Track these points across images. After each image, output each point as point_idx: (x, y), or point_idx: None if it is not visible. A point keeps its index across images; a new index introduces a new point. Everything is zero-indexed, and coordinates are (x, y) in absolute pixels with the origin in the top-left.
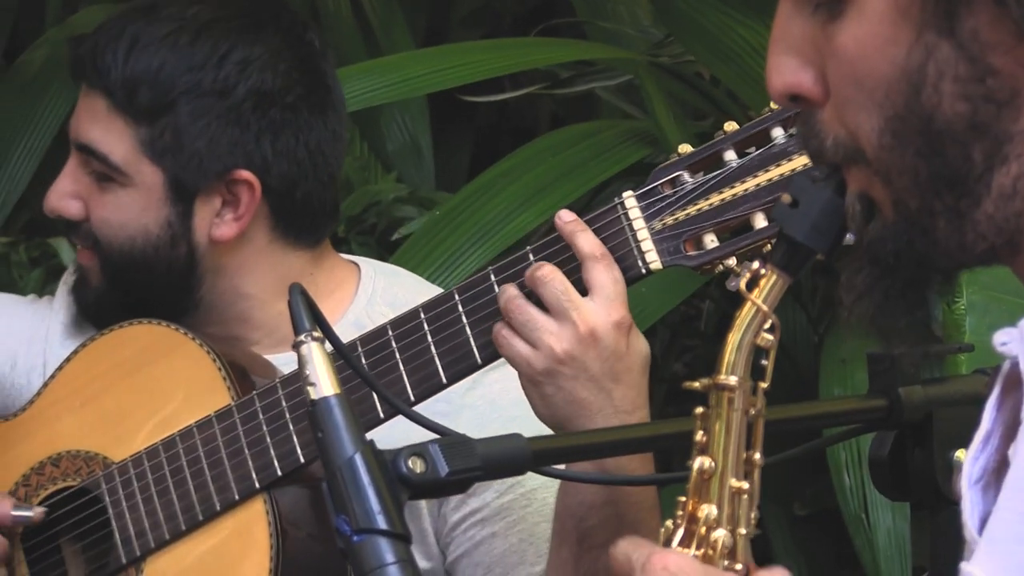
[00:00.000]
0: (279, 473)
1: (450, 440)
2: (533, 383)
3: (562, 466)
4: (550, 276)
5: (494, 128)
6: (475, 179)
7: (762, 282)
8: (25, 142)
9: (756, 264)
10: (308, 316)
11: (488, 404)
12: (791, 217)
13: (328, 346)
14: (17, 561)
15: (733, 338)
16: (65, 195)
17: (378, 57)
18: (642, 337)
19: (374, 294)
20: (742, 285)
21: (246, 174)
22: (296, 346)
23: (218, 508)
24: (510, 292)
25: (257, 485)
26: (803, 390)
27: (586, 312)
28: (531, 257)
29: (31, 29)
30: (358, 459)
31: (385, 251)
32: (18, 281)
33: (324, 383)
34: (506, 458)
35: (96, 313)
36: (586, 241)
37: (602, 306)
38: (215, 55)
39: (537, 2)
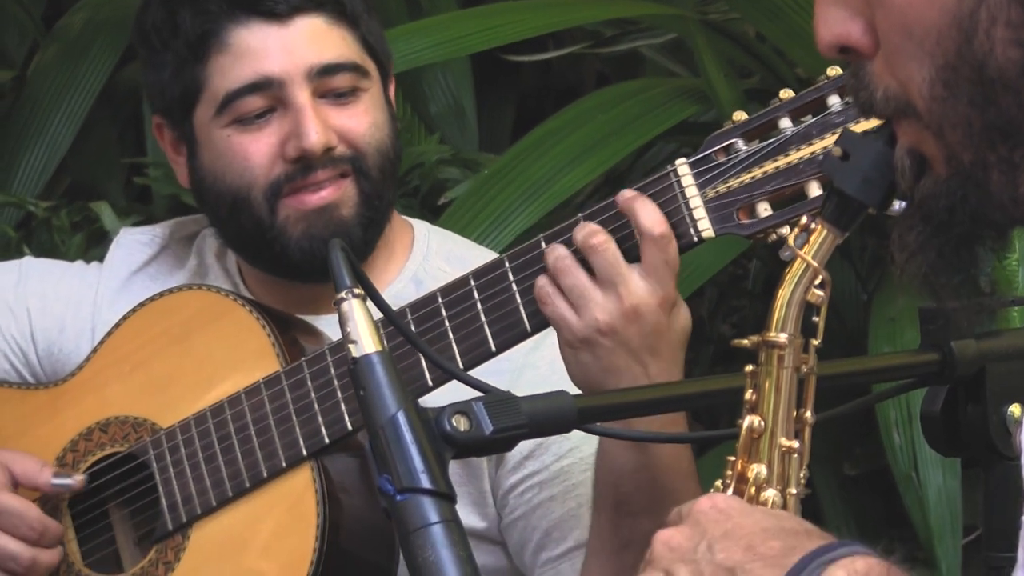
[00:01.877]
0: (326, 441)
1: (495, 397)
2: (571, 347)
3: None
4: (604, 245)
5: (538, 88)
6: (522, 139)
7: (812, 237)
8: (66, 106)
9: (806, 219)
10: (349, 273)
11: (549, 365)
12: (842, 170)
13: (371, 304)
14: (64, 526)
15: (783, 294)
16: (324, 127)
17: (421, 18)
18: (685, 311)
19: (429, 250)
20: (791, 241)
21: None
22: (337, 303)
23: (265, 475)
24: (560, 251)
25: (304, 452)
26: (852, 349)
27: (633, 287)
28: (582, 222)
29: None
30: (401, 417)
31: (429, 213)
32: (59, 246)
33: (366, 340)
34: (551, 416)
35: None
36: (648, 216)
37: (650, 283)
38: None
39: None
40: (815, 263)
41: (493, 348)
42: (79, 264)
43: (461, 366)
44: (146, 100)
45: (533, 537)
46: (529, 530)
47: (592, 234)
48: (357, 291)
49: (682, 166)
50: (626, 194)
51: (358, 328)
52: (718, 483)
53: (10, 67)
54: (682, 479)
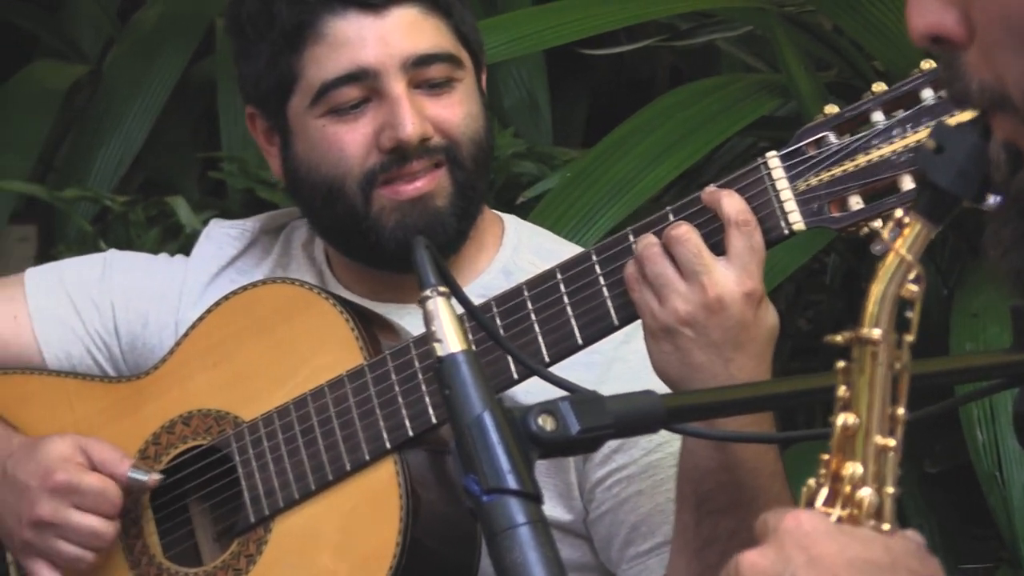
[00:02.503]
0: (410, 434)
1: (581, 397)
2: (653, 336)
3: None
4: (686, 236)
5: (611, 82)
6: (604, 138)
7: (906, 231)
8: (141, 101)
9: (900, 213)
10: (434, 271)
11: (641, 358)
12: (935, 163)
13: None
14: (145, 520)
15: (876, 289)
16: (419, 117)
17: (495, 15)
18: (772, 309)
19: (520, 243)
20: (884, 235)
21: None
22: (422, 301)
23: (348, 468)
24: (649, 239)
25: (388, 445)
26: (932, 345)
27: (717, 277)
28: (671, 217)
29: None
30: (487, 417)
31: (503, 207)
32: (135, 240)
33: (451, 339)
34: (638, 415)
35: (443, 242)
36: (731, 204)
37: (734, 273)
38: None
39: None
40: (909, 257)
41: (580, 341)
42: (163, 257)
43: (547, 360)
44: (239, 91)
45: (620, 532)
46: (616, 524)
47: (675, 226)
48: (442, 289)
49: (773, 159)
50: (710, 189)
51: (443, 327)
52: (811, 481)
53: (85, 62)
54: (766, 478)
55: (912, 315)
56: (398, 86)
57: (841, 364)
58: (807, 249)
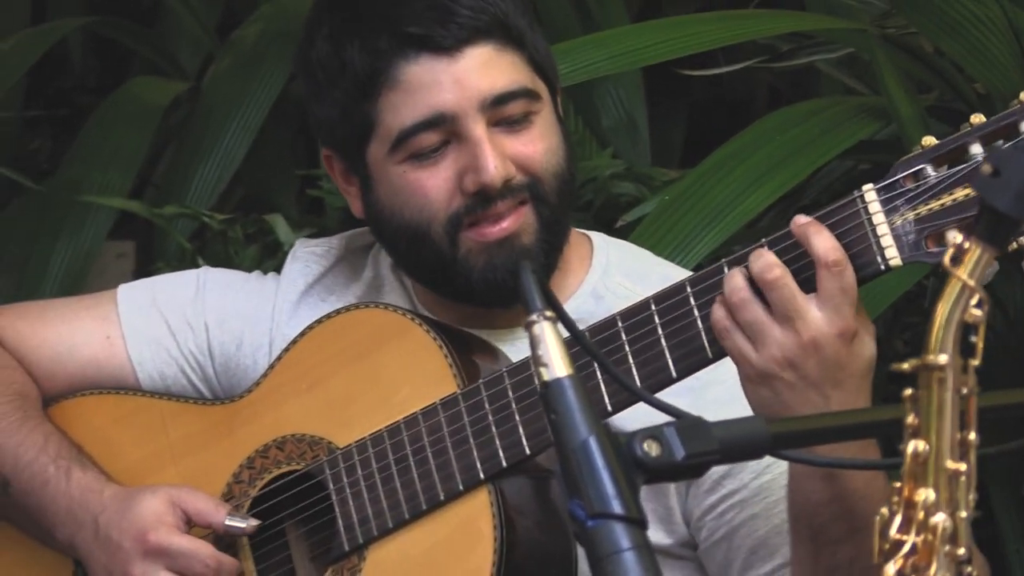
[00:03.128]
0: (504, 464)
1: (686, 423)
2: (750, 381)
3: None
4: (780, 281)
5: (708, 101)
6: (702, 162)
7: (967, 257)
8: (240, 117)
9: (959, 238)
10: (540, 295)
11: (736, 379)
12: (993, 187)
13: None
14: (240, 545)
15: (940, 316)
16: (501, 158)
17: (593, 32)
18: (868, 340)
19: (609, 265)
20: (946, 260)
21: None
22: (528, 326)
23: (442, 497)
24: (735, 283)
25: (482, 476)
26: None
27: (810, 319)
28: (766, 249)
29: (244, 5)
30: (592, 442)
31: (602, 228)
32: (234, 258)
33: (557, 364)
34: (744, 441)
35: (506, 289)
36: (821, 244)
37: (827, 315)
38: None
39: None
40: (971, 283)
41: (674, 374)
42: (256, 276)
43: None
44: (315, 131)
45: (738, 557)
46: (733, 550)
47: (767, 269)
48: (548, 314)
49: (869, 192)
50: (799, 220)
51: (549, 351)
52: (884, 511)
53: (184, 78)
54: (877, 503)
55: (977, 339)
56: (477, 128)
57: (908, 392)
58: (911, 276)
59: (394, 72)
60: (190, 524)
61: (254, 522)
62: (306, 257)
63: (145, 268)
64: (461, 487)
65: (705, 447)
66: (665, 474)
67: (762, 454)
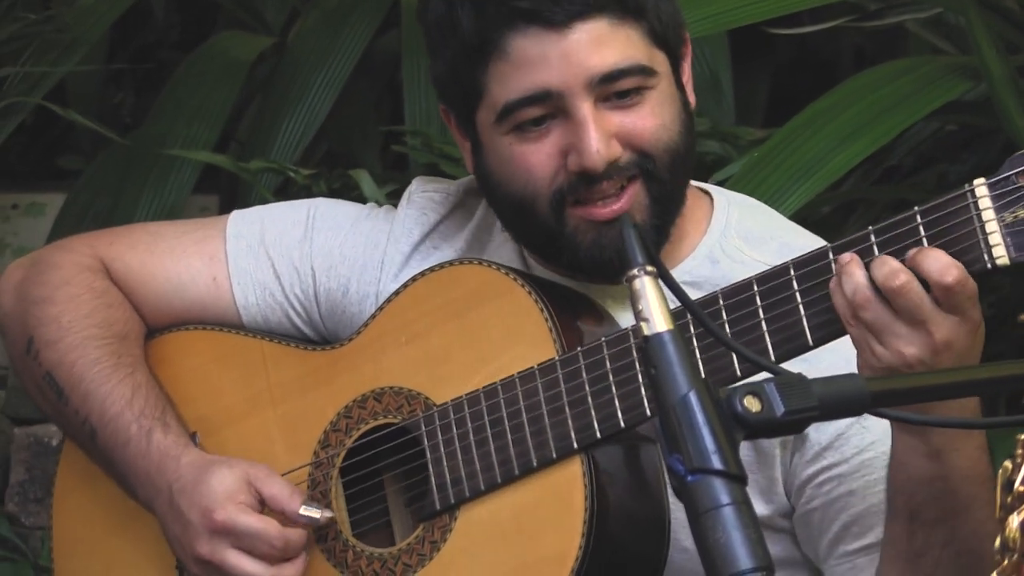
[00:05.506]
0: (598, 436)
1: (786, 379)
2: (872, 370)
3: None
4: (907, 287)
5: (793, 62)
6: (791, 119)
7: None
8: (325, 73)
9: None
10: (642, 250)
11: (849, 346)
12: None
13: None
14: (335, 496)
15: None
16: (607, 139)
17: None
18: (982, 324)
19: (728, 225)
20: None
21: (685, 32)
22: (628, 280)
23: (535, 464)
24: (857, 281)
25: (576, 446)
26: None
27: (941, 323)
28: (872, 239)
29: None
30: (693, 397)
31: None
32: None
33: (657, 318)
34: (843, 398)
35: (612, 268)
36: (934, 264)
37: (957, 318)
38: None
39: None
40: None
41: (773, 358)
42: (369, 214)
43: (739, 374)
44: (432, 83)
45: (831, 529)
46: (827, 522)
47: (893, 276)
48: (649, 269)
49: (980, 187)
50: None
51: (650, 306)
52: (1007, 463)
53: (269, 33)
54: (979, 485)
55: None
56: (584, 107)
57: None
58: None
59: (502, 43)
60: (263, 506)
61: (328, 513)
62: (423, 203)
63: None
64: (554, 455)
65: (805, 404)
66: (764, 430)
67: (862, 411)
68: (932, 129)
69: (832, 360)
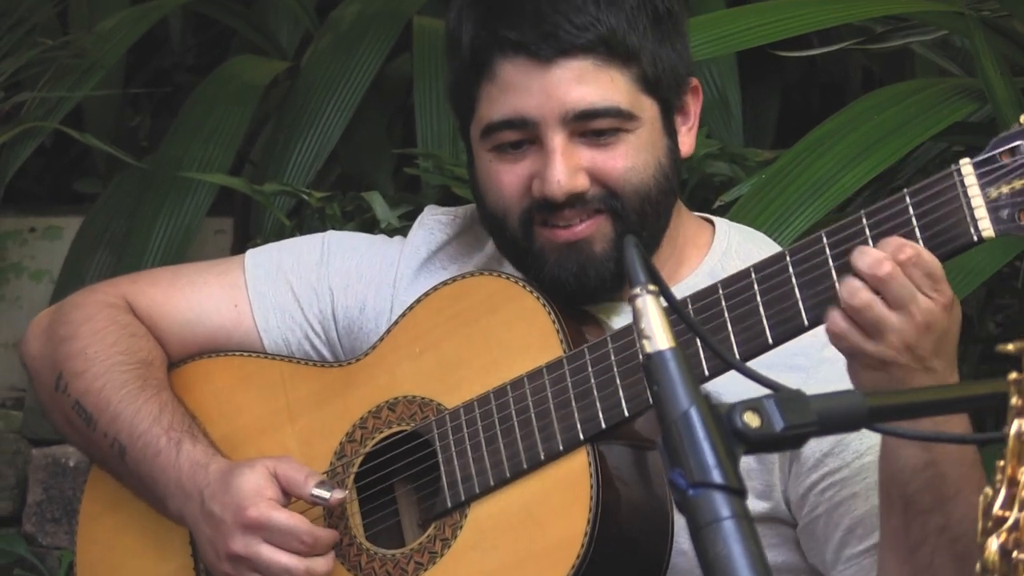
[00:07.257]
0: (603, 425)
1: (785, 395)
2: (865, 368)
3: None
4: (894, 272)
5: (802, 83)
6: (799, 141)
7: None
8: (338, 96)
9: None
10: (644, 269)
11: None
12: None
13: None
14: (350, 499)
15: None
16: (572, 172)
17: (689, 16)
18: (957, 304)
19: (729, 247)
20: None
21: (694, 80)
22: (631, 299)
23: (542, 457)
24: (852, 285)
25: (581, 436)
26: None
27: (921, 302)
28: (864, 221)
29: None
30: (694, 413)
31: (696, 207)
32: None
33: (659, 336)
34: (842, 414)
35: (597, 286)
36: (866, 260)
37: (935, 299)
38: None
39: None
40: None
41: (770, 340)
42: (382, 239)
43: (738, 356)
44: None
45: (835, 535)
46: (831, 527)
47: (878, 264)
48: (651, 288)
49: (966, 166)
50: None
51: (652, 324)
52: (988, 490)
53: (283, 57)
54: (968, 467)
55: None
56: (556, 139)
57: (1013, 376)
58: (1004, 254)
59: (493, 65)
60: (288, 496)
61: (339, 493)
62: (432, 224)
63: (243, 245)
64: (561, 447)
65: (803, 419)
66: (764, 445)
67: (859, 427)
68: (939, 149)
69: (829, 371)
